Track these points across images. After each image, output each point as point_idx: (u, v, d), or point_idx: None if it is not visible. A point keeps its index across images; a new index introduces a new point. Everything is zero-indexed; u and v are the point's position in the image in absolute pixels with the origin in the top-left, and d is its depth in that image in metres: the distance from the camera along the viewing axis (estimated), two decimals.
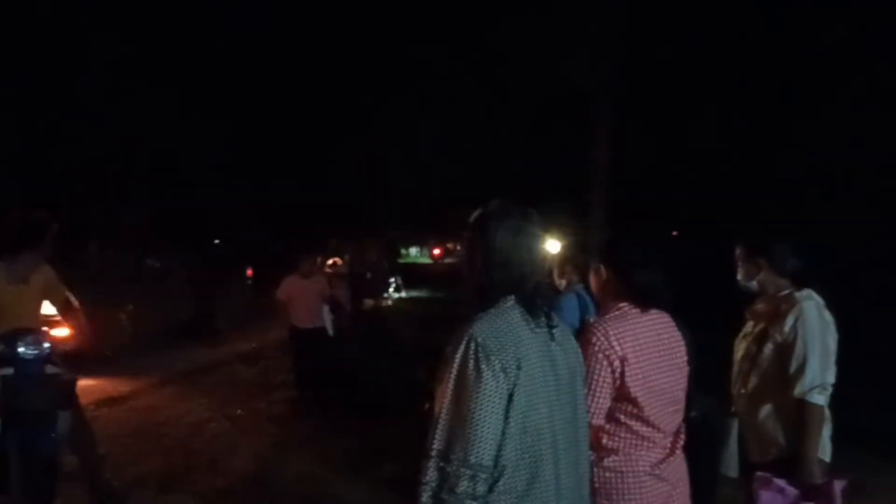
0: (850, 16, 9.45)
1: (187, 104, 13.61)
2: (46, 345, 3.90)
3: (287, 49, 14.81)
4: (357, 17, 13.74)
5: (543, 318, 1.80)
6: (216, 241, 18.26)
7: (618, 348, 2.15)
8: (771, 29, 10.03)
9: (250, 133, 15.81)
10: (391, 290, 18.23)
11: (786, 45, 9.92)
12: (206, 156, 14.88)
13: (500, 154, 13.45)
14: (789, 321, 2.98)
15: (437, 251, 45.13)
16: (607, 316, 2.28)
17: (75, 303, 4.33)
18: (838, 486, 2.76)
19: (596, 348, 2.16)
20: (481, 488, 1.62)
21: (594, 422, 2.11)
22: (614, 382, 2.15)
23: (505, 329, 1.71)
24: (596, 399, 2.14)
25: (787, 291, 3.10)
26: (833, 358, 2.97)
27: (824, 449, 2.97)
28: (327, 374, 7.84)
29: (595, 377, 2.15)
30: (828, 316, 3.01)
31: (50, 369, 3.91)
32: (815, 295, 3.05)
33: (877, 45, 9.29)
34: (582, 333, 2.22)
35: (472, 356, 1.65)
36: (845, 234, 9.27)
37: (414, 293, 21.62)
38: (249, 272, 15.93)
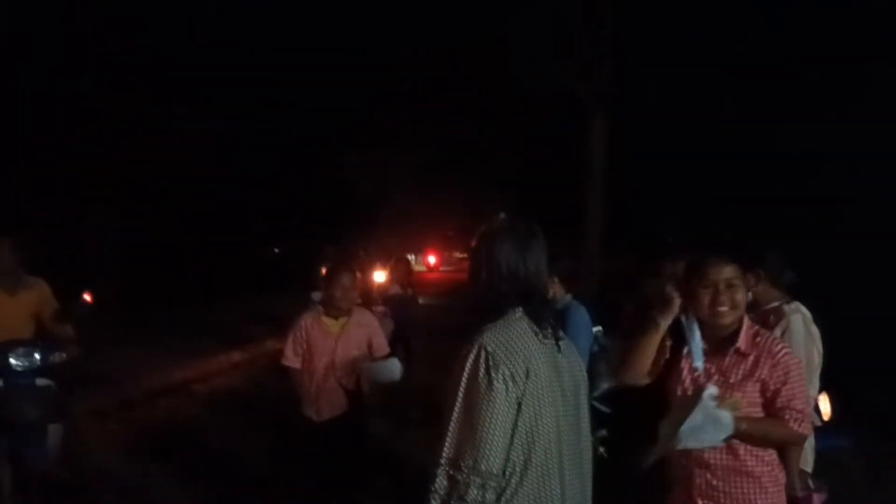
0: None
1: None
2: (38, 356, 3.90)
3: (277, 50, 14.71)
4: (350, 20, 13.75)
5: (550, 330, 1.85)
6: None
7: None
8: (769, 28, 10.05)
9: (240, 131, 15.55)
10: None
11: (785, 44, 9.91)
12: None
13: (495, 157, 13.45)
14: (776, 333, 3.00)
15: (432, 259, 44.86)
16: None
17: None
18: (818, 499, 2.77)
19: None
20: (490, 496, 1.65)
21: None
22: None
23: (514, 339, 1.75)
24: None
25: (776, 304, 3.12)
26: (817, 372, 3.01)
27: (806, 460, 2.99)
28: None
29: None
30: (814, 330, 3.04)
31: (41, 381, 3.91)
32: (802, 308, 3.08)
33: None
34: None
35: (483, 365, 1.70)
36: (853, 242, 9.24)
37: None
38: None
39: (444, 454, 1.68)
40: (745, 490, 2.34)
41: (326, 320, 4.15)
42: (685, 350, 2.48)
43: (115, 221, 15.08)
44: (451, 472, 1.66)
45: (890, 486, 4.91)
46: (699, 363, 2.43)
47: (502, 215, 1.93)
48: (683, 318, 2.44)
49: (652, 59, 10.56)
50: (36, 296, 4.21)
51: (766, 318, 3.09)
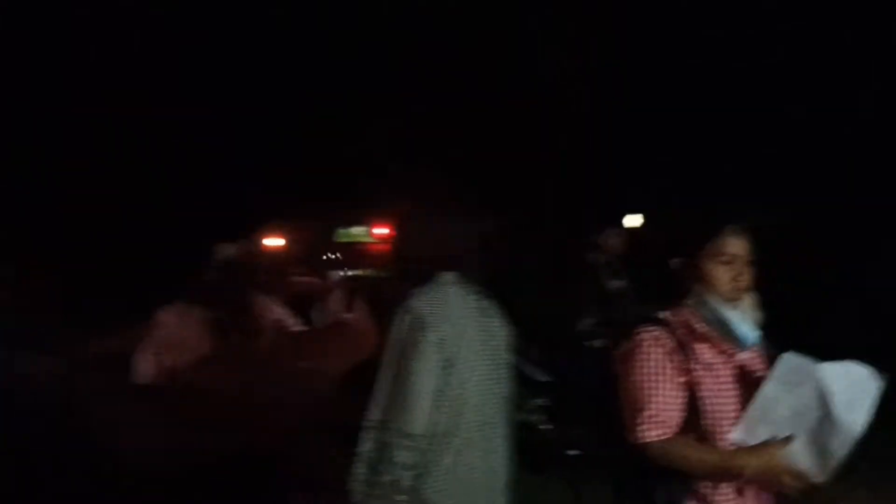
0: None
1: None
2: None
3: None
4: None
5: (478, 295, 1.86)
6: None
7: None
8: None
9: None
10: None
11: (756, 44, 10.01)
12: None
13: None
14: None
15: (381, 230, 44.74)
16: None
17: None
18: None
19: None
20: (418, 458, 1.66)
21: None
22: None
23: (442, 304, 1.76)
24: None
25: None
26: None
27: None
28: None
29: None
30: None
31: None
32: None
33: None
34: None
35: (411, 329, 1.71)
36: None
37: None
38: None
39: (371, 418, 1.69)
40: None
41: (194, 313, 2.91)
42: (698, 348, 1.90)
43: None
44: (377, 436, 1.66)
45: None
46: (753, 335, 1.90)
47: (431, 182, 1.95)
48: (702, 301, 1.91)
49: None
50: None
51: None
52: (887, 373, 1.81)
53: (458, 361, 1.71)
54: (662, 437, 1.80)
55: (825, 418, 1.73)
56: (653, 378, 1.85)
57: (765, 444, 1.77)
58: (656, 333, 1.89)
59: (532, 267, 10.06)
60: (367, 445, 1.67)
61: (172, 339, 2.77)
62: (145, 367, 2.76)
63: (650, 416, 1.81)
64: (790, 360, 1.79)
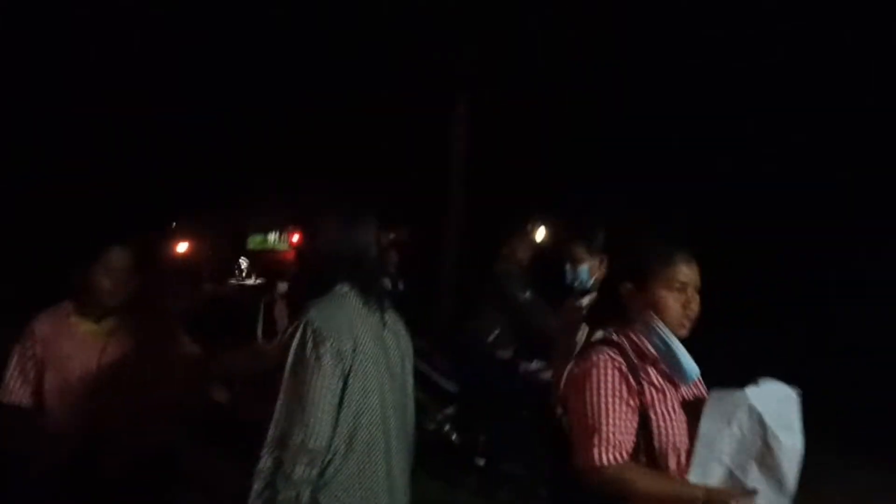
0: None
1: None
2: None
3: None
4: None
5: (376, 305, 1.84)
6: None
7: None
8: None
9: None
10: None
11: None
12: None
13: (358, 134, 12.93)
14: None
15: (296, 237, 43.82)
16: None
17: None
18: None
19: None
20: (317, 472, 1.64)
21: None
22: None
23: (339, 314, 1.74)
24: None
25: None
26: None
27: None
28: None
29: None
30: None
31: None
32: None
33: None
34: None
35: (308, 341, 1.68)
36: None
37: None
38: None
39: (270, 434, 1.65)
40: None
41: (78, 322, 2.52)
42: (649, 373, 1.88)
43: None
44: (276, 452, 1.63)
45: None
46: (694, 374, 1.90)
47: (329, 188, 1.94)
48: (651, 328, 1.89)
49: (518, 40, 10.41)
50: None
51: None
52: (798, 387, 1.86)
53: (356, 372, 1.70)
54: (616, 462, 1.74)
55: (768, 441, 1.76)
56: (609, 400, 1.78)
57: (728, 492, 1.75)
58: (612, 354, 1.85)
59: (441, 277, 10.09)
60: (263, 463, 1.64)
61: (52, 353, 2.43)
62: (14, 385, 2.45)
63: (605, 440, 1.74)
64: (718, 394, 1.82)
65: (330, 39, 10.87)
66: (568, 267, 3.26)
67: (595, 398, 1.79)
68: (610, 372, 1.81)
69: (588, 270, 3.24)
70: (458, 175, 11.25)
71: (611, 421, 1.76)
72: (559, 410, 2.03)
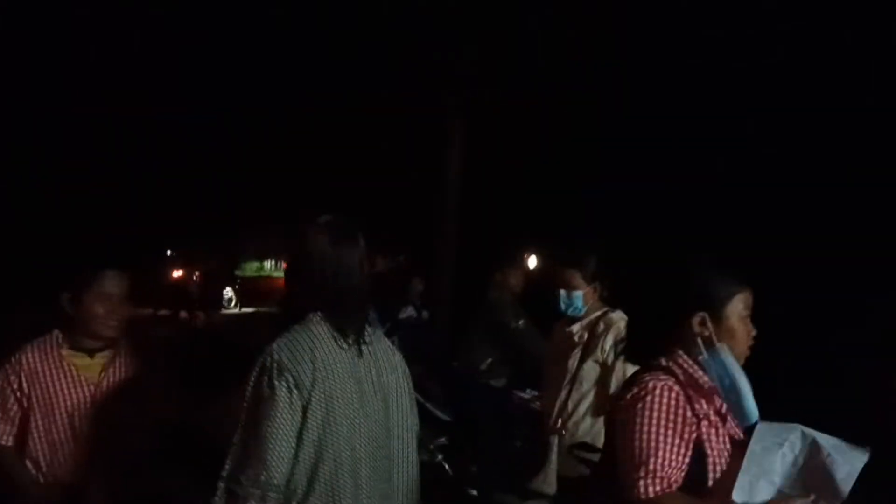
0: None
1: None
2: None
3: None
4: None
5: (352, 335, 1.77)
6: None
7: None
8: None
9: None
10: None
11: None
12: None
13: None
14: (608, 340, 3.09)
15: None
16: None
17: None
18: None
19: None
20: None
21: None
22: None
23: (304, 345, 1.68)
24: None
25: (601, 311, 3.22)
26: None
27: None
28: None
29: None
30: None
31: None
32: (626, 316, 3.17)
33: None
34: None
35: (267, 373, 1.64)
36: None
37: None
38: None
39: (226, 468, 1.62)
40: None
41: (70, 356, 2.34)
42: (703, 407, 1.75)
43: None
44: (230, 487, 1.60)
45: None
46: (754, 415, 1.76)
47: (310, 215, 1.86)
48: (717, 360, 1.76)
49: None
50: None
51: (593, 327, 3.17)
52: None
53: (316, 406, 1.64)
54: (663, 495, 1.63)
55: (823, 462, 1.65)
56: (661, 430, 1.67)
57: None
58: (669, 382, 1.73)
59: (434, 305, 10.04)
60: (217, 498, 1.60)
61: (40, 388, 2.26)
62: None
63: (653, 471, 1.64)
64: (769, 424, 1.72)
65: (330, 39, 10.82)
66: (563, 294, 3.24)
67: (646, 427, 1.67)
68: (665, 400, 1.69)
69: (583, 297, 3.22)
70: (452, 199, 11.09)
71: (661, 454, 1.65)
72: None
